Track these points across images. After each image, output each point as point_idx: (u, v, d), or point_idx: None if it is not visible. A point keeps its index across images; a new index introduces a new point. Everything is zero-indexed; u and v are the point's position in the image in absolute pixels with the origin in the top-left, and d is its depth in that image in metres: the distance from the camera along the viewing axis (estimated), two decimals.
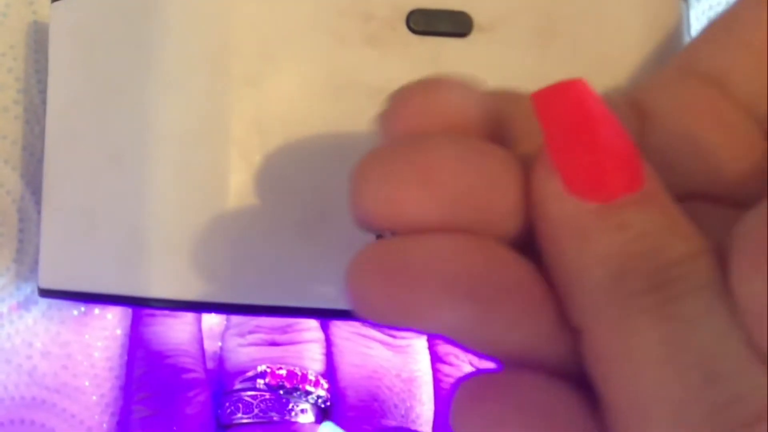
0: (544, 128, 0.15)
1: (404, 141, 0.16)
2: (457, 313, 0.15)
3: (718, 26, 0.19)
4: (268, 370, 0.33)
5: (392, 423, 0.33)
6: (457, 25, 0.24)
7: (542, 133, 0.15)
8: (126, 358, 0.35)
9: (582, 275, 0.15)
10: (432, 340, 0.36)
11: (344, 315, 0.26)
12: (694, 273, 0.14)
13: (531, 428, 0.15)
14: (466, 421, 0.15)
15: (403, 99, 0.17)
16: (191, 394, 0.33)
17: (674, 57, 0.19)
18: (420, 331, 0.16)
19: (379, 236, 0.25)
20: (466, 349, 0.16)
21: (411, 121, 0.17)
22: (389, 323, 0.16)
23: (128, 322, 0.35)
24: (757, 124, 0.18)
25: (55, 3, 0.28)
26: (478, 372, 0.16)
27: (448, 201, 0.16)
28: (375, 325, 0.35)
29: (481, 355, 0.17)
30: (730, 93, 0.18)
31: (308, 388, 0.33)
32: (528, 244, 0.16)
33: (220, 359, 0.35)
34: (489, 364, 0.17)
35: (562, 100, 0.15)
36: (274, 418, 0.33)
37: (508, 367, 0.16)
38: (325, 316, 0.31)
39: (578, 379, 0.16)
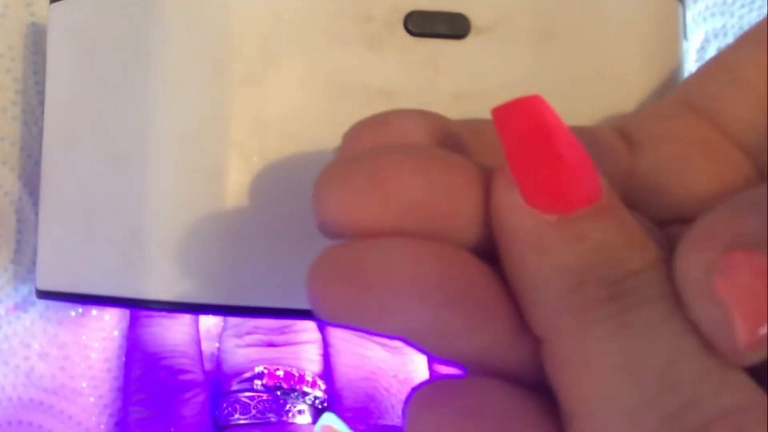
0: (504, 142, 0.16)
1: (362, 152, 0.17)
2: (411, 316, 0.15)
3: (715, 64, 0.19)
4: (266, 371, 0.33)
5: (389, 424, 0.33)
6: (455, 27, 0.25)
7: (502, 146, 0.16)
8: (123, 359, 0.35)
9: (540, 286, 0.15)
10: None
11: None
12: (650, 283, 0.15)
13: (480, 430, 0.15)
14: (417, 425, 0.16)
15: (355, 131, 0.18)
16: (189, 395, 0.33)
17: (671, 91, 0.20)
18: (377, 334, 0.16)
19: None
20: (426, 353, 0.17)
21: (364, 145, 0.18)
22: (346, 325, 0.16)
23: (126, 323, 0.35)
24: (747, 156, 0.18)
25: (53, 4, 0.28)
26: (434, 378, 0.16)
27: (402, 208, 0.16)
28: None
29: (440, 360, 0.17)
30: (722, 126, 0.18)
31: (305, 389, 0.33)
32: (491, 250, 0.16)
33: (218, 360, 0.35)
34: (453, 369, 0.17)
35: (522, 114, 0.16)
36: (272, 419, 0.33)
37: (469, 373, 0.17)
38: None
39: (540, 387, 0.16)
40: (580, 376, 0.15)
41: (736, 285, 0.14)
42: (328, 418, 0.19)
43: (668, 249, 0.15)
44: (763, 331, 0.14)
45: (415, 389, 0.16)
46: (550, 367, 0.15)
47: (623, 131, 0.19)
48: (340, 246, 0.16)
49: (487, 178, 0.16)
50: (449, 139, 0.18)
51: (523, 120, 0.16)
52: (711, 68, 0.19)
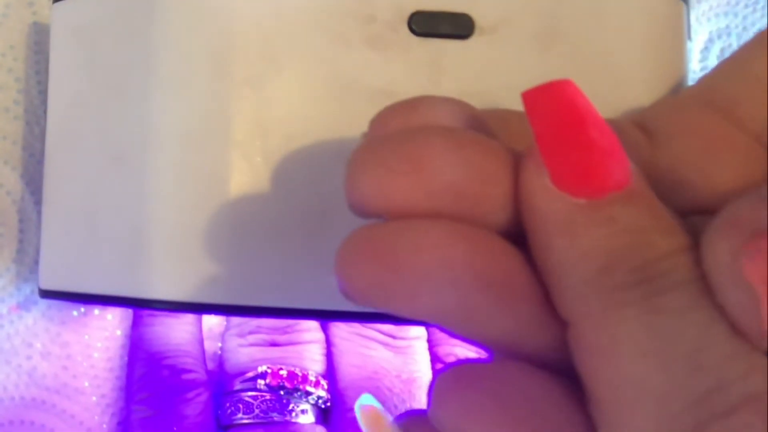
0: (534, 126, 0.16)
1: (398, 132, 0.17)
2: (438, 299, 0.16)
3: (731, 61, 0.19)
4: (269, 371, 0.33)
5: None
6: (459, 27, 0.25)
7: (532, 129, 0.16)
8: (126, 358, 0.35)
9: (569, 269, 0.15)
10: (432, 341, 0.36)
11: (345, 316, 0.26)
12: (679, 268, 0.15)
13: (509, 417, 0.15)
14: (442, 409, 0.16)
15: (383, 115, 0.18)
16: (191, 394, 0.33)
17: (688, 88, 0.20)
18: (404, 317, 0.16)
19: None
20: (452, 335, 0.17)
21: (394, 128, 0.17)
22: (373, 306, 0.16)
23: (128, 322, 0.35)
24: (764, 149, 0.18)
25: (56, 3, 0.28)
26: (459, 362, 0.16)
27: (436, 190, 0.16)
28: (375, 324, 0.35)
29: (467, 341, 0.17)
30: (739, 122, 0.18)
31: (309, 388, 0.33)
32: (521, 234, 0.17)
33: (220, 360, 0.35)
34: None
35: (553, 98, 0.16)
36: (275, 419, 0.33)
37: (494, 356, 0.17)
38: (326, 317, 0.31)
39: (566, 371, 0.16)
40: (607, 359, 0.15)
41: (761, 268, 0.14)
42: (368, 399, 0.19)
43: (692, 238, 0.15)
44: None
45: (440, 372, 0.16)
46: (577, 351, 0.15)
47: (642, 124, 0.19)
48: (369, 227, 0.16)
49: (516, 160, 0.16)
50: (478, 125, 0.18)
51: (553, 103, 0.16)
52: (728, 66, 0.19)
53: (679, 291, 0.15)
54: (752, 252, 0.14)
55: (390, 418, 0.18)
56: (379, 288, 0.16)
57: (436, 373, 0.16)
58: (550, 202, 0.16)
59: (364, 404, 0.18)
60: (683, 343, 0.14)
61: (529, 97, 0.16)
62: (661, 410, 0.14)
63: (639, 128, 0.19)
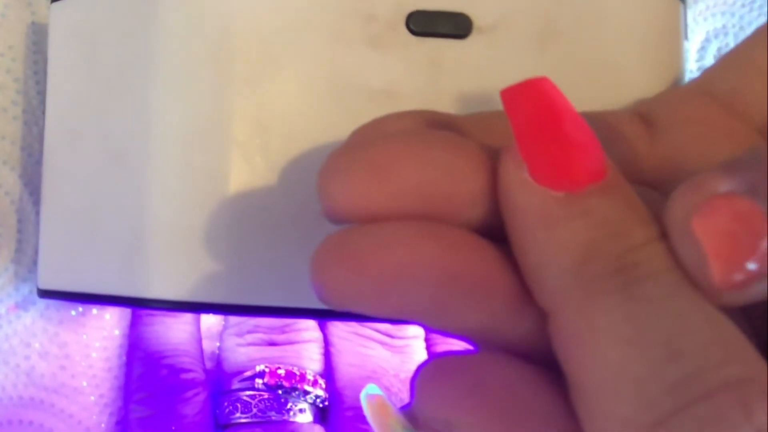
0: (513, 122, 0.16)
1: (363, 139, 0.18)
2: (407, 297, 0.16)
3: (732, 54, 0.20)
4: (267, 370, 0.33)
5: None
6: (457, 27, 0.25)
7: (511, 126, 0.16)
8: (124, 358, 0.35)
9: (548, 260, 0.16)
10: (430, 340, 0.36)
11: (343, 315, 0.26)
12: (656, 257, 0.15)
13: (491, 407, 0.16)
14: (425, 401, 0.16)
15: (356, 129, 0.19)
16: (190, 394, 0.33)
17: (690, 81, 0.20)
18: (379, 318, 0.17)
19: None
20: (429, 329, 0.17)
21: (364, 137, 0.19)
22: (348, 309, 0.17)
23: (126, 322, 0.35)
24: (764, 139, 0.19)
25: (54, 3, 0.28)
26: (440, 354, 0.17)
27: (402, 192, 0.17)
28: (373, 324, 0.35)
29: (446, 335, 0.17)
30: (741, 113, 0.19)
31: (307, 387, 0.33)
32: (496, 229, 0.17)
33: (219, 359, 0.35)
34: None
35: (530, 95, 0.16)
36: (273, 418, 0.33)
37: (478, 348, 0.17)
38: (324, 316, 0.31)
39: (547, 361, 0.16)
40: (587, 347, 0.15)
41: (710, 224, 0.15)
42: (373, 388, 0.19)
43: None
44: (739, 273, 0.14)
45: (422, 366, 0.16)
46: (557, 341, 0.16)
47: (643, 114, 0.19)
48: (340, 232, 0.17)
49: (489, 158, 0.17)
50: (448, 127, 0.18)
51: (531, 100, 0.16)
52: (729, 59, 0.20)
53: (657, 279, 0.15)
54: (704, 209, 0.15)
55: (396, 408, 0.18)
56: (350, 291, 0.16)
57: (418, 367, 0.17)
58: (528, 196, 0.16)
59: (370, 394, 0.19)
60: (661, 330, 0.15)
61: (507, 94, 0.17)
62: (639, 395, 0.14)
63: (640, 118, 0.19)
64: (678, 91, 0.20)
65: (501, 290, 0.16)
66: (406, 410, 0.18)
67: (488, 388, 0.16)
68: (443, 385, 0.16)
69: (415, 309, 0.16)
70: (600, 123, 0.17)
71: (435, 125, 0.19)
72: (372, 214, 0.17)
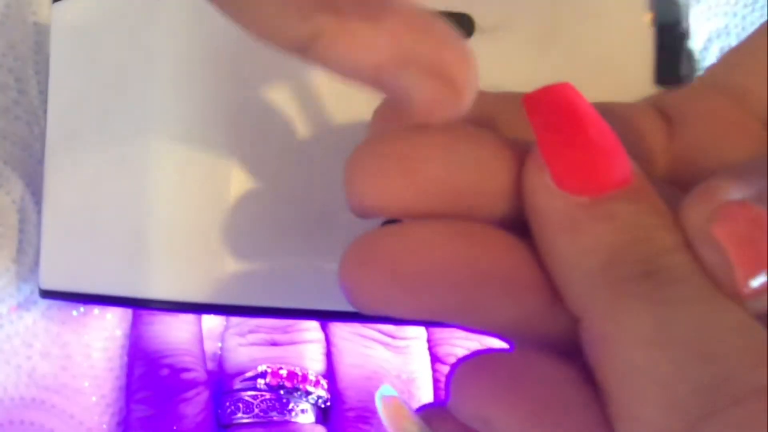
0: (535, 127, 0.16)
1: (392, 132, 0.17)
2: (440, 299, 0.16)
3: (741, 50, 0.20)
4: (269, 370, 0.33)
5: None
6: (460, 27, 0.25)
7: (533, 131, 0.16)
8: (125, 358, 0.35)
9: (573, 265, 0.16)
10: (432, 341, 0.36)
11: (344, 316, 0.26)
12: (683, 262, 0.15)
13: (528, 404, 0.15)
14: (462, 399, 0.16)
15: (385, 108, 0.19)
16: (191, 393, 0.33)
17: (699, 76, 0.20)
18: (411, 320, 0.17)
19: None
20: (460, 328, 0.17)
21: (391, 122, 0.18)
22: (379, 313, 0.16)
23: (128, 322, 0.35)
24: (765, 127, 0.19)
25: (57, 3, 0.28)
26: (477, 352, 0.17)
27: (430, 188, 0.16)
28: (375, 324, 0.35)
29: (477, 331, 0.17)
30: (750, 108, 0.19)
31: (309, 388, 0.33)
32: (524, 224, 0.17)
33: (220, 359, 0.35)
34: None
35: (552, 100, 0.16)
36: (275, 418, 0.33)
37: (513, 344, 0.17)
38: (326, 317, 0.31)
39: (581, 356, 0.16)
40: (615, 350, 0.15)
41: (731, 230, 0.15)
42: (388, 389, 0.19)
43: None
44: (762, 278, 0.14)
45: (458, 363, 0.16)
46: (587, 343, 0.16)
47: (662, 108, 0.19)
48: (367, 235, 0.17)
49: (515, 152, 0.17)
50: (479, 114, 0.18)
51: (552, 105, 0.16)
52: (738, 54, 0.20)
53: (685, 284, 0.15)
54: (723, 215, 0.15)
55: (412, 410, 0.18)
56: (382, 295, 0.16)
57: (454, 364, 0.17)
58: (551, 200, 0.16)
59: (385, 395, 0.19)
60: (690, 333, 0.14)
61: (529, 99, 0.16)
62: (667, 398, 0.14)
63: (657, 112, 0.19)
64: (692, 88, 0.20)
65: (534, 287, 0.16)
66: (422, 412, 0.18)
67: (525, 384, 0.16)
68: (479, 382, 0.16)
69: (448, 309, 0.16)
70: (617, 115, 0.17)
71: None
72: (399, 209, 0.17)
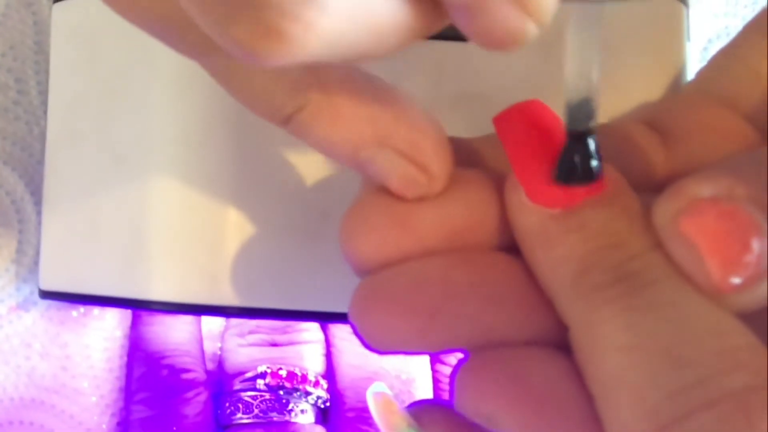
0: (506, 146, 0.17)
1: (383, 187, 0.18)
2: (451, 330, 0.16)
3: (728, 54, 0.20)
4: (269, 371, 0.33)
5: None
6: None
7: (505, 150, 0.17)
8: (125, 359, 0.35)
9: (551, 276, 0.16)
10: None
11: (344, 318, 0.26)
12: (655, 265, 0.15)
13: (531, 401, 0.16)
14: (465, 395, 0.16)
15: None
16: (191, 394, 0.33)
17: (688, 83, 0.21)
18: (426, 352, 0.17)
19: None
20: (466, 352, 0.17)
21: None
22: (392, 351, 0.17)
23: (127, 323, 0.35)
24: (761, 134, 0.19)
25: (57, 4, 0.28)
26: (481, 348, 0.17)
27: (427, 235, 0.17)
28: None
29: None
30: (743, 112, 0.19)
31: (308, 388, 0.33)
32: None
33: (220, 360, 0.35)
34: None
35: (519, 119, 0.17)
36: (274, 419, 0.33)
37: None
38: (326, 319, 0.31)
39: None
40: (590, 356, 0.15)
41: (700, 223, 0.15)
42: (380, 386, 0.19)
43: None
44: (738, 270, 0.15)
45: (463, 360, 0.17)
46: (573, 351, 0.16)
47: (652, 123, 0.19)
48: (372, 278, 0.17)
49: (501, 185, 0.17)
50: (463, 153, 0.18)
51: (520, 124, 0.17)
52: (726, 59, 0.20)
53: (656, 287, 0.15)
54: (690, 210, 0.15)
55: (401, 406, 0.18)
56: (390, 334, 0.16)
57: (459, 362, 0.17)
58: (527, 216, 0.16)
59: (376, 392, 0.19)
60: (661, 338, 0.15)
61: (499, 120, 0.17)
62: (640, 404, 0.14)
63: (650, 127, 0.19)
64: (683, 97, 0.20)
65: (539, 304, 0.16)
66: (412, 410, 0.18)
67: (529, 381, 0.16)
68: (484, 378, 0.16)
69: (457, 340, 0.16)
70: (613, 134, 0.18)
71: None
72: (399, 260, 0.17)
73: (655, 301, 0.15)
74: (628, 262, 0.15)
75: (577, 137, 0.16)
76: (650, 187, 0.17)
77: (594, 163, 0.16)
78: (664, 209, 0.15)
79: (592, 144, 0.16)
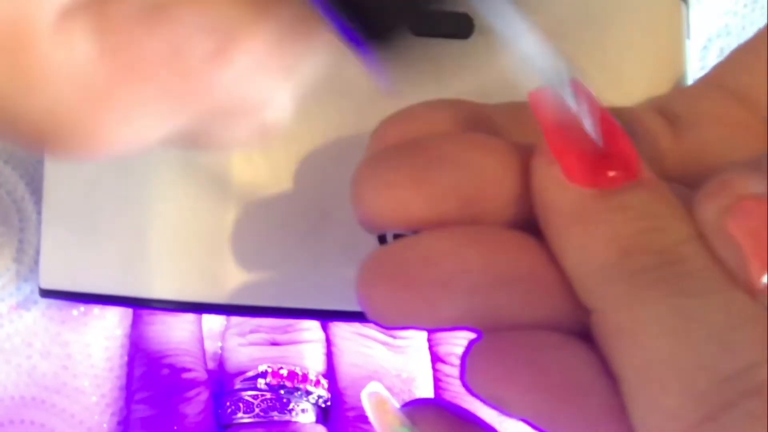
0: (542, 122, 0.16)
1: (396, 145, 0.17)
2: (459, 307, 0.16)
3: (744, 52, 0.20)
4: (269, 370, 0.33)
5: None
6: (459, 28, 0.25)
7: (541, 127, 0.16)
8: (126, 358, 0.35)
9: (587, 257, 0.16)
10: (432, 341, 0.36)
11: (345, 316, 0.26)
12: (700, 252, 0.15)
13: (543, 387, 0.15)
14: (475, 377, 0.16)
15: (383, 127, 0.18)
16: (191, 393, 0.33)
17: (701, 77, 0.20)
18: (432, 328, 0.17)
19: (380, 237, 0.25)
20: (478, 332, 0.17)
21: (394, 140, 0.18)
22: (400, 326, 0.16)
23: (128, 322, 0.35)
24: None
25: None
26: (493, 330, 0.16)
27: (439, 198, 0.16)
28: (376, 325, 0.35)
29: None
30: (754, 107, 0.19)
31: (309, 387, 0.33)
32: (535, 225, 0.17)
33: (221, 359, 0.35)
34: None
35: (558, 95, 0.16)
36: (275, 418, 0.33)
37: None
38: (326, 317, 0.31)
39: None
40: (632, 340, 0.15)
41: (746, 225, 0.15)
42: (375, 386, 0.19)
43: None
44: None
45: (475, 340, 0.16)
46: (601, 336, 0.16)
47: (662, 110, 0.19)
48: (382, 250, 0.17)
49: (520, 155, 0.17)
50: (480, 123, 0.18)
51: (559, 100, 0.16)
52: (742, 56, 0.20)
53: (703, 274, 0.15)
54: (736, 210, 0.15)
55: (396, 406, 0.18)
56: (400, 307, 0.16)
57: (471, 340, 0.17)
58: (562, 194, 0.16)
59: (371, 391, 0.19)
60: (709, 324, 0.14)
61: (534, 95, 0.16)
62: (688, 388, 0.14)
63: (660, 114, 0.19)
64: (695, 88, 0.20)
65: (554, 286, 0.16)
66: (406, 409, 0.18)
67: (543, 367, 0.16)
68: (496, 361, 0.16)
69: (469, 316, 0.16)
70: (622, 118, 0.17)
71: (466, 119, 0.18)
72: (410, 220, 0.17)
73: (702, 287, 0.15)
74: (674, 247, 0.15)
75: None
76: (656, 172, 0.17)
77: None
78: (710, 205, 0.15)
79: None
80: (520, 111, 0.19)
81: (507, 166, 0.17)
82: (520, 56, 0.16)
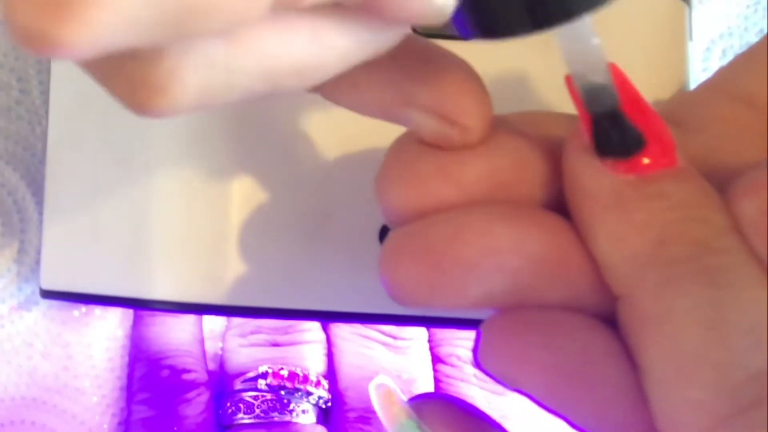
0: (579, 107, 0.16)
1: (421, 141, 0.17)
2: (487, 287, 0.16)
3: (749, 56, 0.20)
4: (270, 371, 0.33)
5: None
6: None
7: (578, 110, 0.16)
8: (127, 358, 0.35)
9: (621, 243, 0.15)
10: (433, 341, 0.36)
11: (345, 317, 0.26)
12: (738, 246, 0.15)
13: (558, 369, 0.15)
14: (488, 355, 0.16)
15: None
16: (192, 394, 0.33)
17: (705, 81, 0.20)
18: (456, 309, 0.16)
19: (381, 237, 0.25)
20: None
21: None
22: (424, 307, 0.16)
23: (129, 322, 0.35)
24: None
25: None
26: (509, 308, 0.16)
27: (473, 185, 0.16)
28: (376, 325, 0.35)
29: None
30: (760, 109, 0.18)
31: (310, 388, 0.33)
32: (561, 209, 0.17)
33: (221, 360, 0.35)
34: None
35: None
36: (276, 419, 0.33)
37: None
38: (327, 318, 0.31)
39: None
40: (663, 330, 0.15)
41: None
42: (383, 379, 0.19)
43: None
44: None
45: (491, 318, 0.16)
46: (629, 323, 0.15)
47: (668, 115, 0.19)
48: (407, 228, 0.16)
49: (548, 142, 0.17)
50: (501, 122, 0.18)
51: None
52: (747, 60, 0.20)
53: (740, 268, 0.15)
54: None
55: (403, 399, 0.18)
56: (426, 287, 0.16)
57: (489, 318, 0.16)
58: (598, 179, 0.16)
59: (378, 383, 0.18)
60: (746, 317, 0.14)
61: (572, 79, 0.16)
62: (720, 382, 0.14)
63: (666, 120, 0.19)
64: (698, 92, 0.20)
65: (583, 269, 0.16)
66: (413, 403, 0.18)
67: (560, 348, 0.15)
68: (512, 338, 0.16)
69: (493, 297, 0.16)
70: None
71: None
72: (440, 209, 0.16)
73: (739, 280, 0.14)
74: (713, 238, 0.15)
75: (604, 117, 0.15)
76: None
77: (633, 132, 0.15)
78: (749, 200, 0.15)
79: (621, 118, 0.16)
80: (536, 118, 0.19)
81: (537, 150, 0.17)
82: (559, 41, 0.16)
